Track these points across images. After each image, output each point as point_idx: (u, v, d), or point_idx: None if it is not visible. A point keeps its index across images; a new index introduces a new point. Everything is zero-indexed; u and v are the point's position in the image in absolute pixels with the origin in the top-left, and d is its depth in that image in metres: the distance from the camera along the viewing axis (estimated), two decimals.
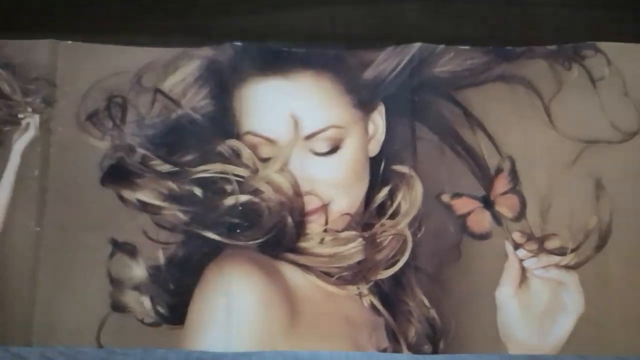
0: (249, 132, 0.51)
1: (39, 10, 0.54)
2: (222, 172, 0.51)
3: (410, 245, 0.50)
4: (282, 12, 0.52)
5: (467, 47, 0.54)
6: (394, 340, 0.49)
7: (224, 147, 0.51)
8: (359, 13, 0.53)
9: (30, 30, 0.52)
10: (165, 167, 0.51)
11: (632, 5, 0.53)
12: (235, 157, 0.51)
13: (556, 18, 0.52)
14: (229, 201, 0.50)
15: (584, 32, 0.51)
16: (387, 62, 0.53)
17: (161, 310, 0.49)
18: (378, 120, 0.53)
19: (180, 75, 0.53)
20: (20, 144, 0.51)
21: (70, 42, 0.53)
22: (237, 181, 0.50)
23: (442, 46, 0.54)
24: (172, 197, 0.51)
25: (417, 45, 0.54)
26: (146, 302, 0.50)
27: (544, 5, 0.53)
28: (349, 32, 0.52)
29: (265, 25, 0.52)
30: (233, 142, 0.51)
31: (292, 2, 0.53)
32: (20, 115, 0.52)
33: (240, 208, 0.50)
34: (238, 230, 0.50)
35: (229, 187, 0.51)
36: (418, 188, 0.51)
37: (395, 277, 0.50)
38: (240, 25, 0.52)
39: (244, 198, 0.50)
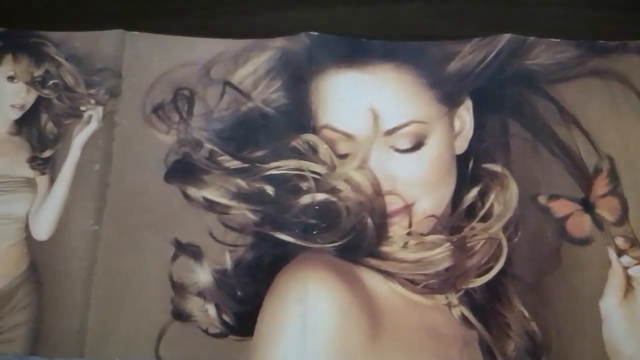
0: (325, 127, 0.47)
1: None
2: (297, 169, 0.46)
3: (505, 250, 0.44)
4: (281, 12, 0.49)
5: (557, 40, 0.49)
6: (490, 355, 0.42)
7: (298, 142, 0.46)
8: (359, 13, 0.50)
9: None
10: (234, 163, 0.47)
11: (632, 5, 0.50)
12: (311, 153, 0.46)
13: (556, 18, 0.49)
14: (305, 200, 0.45)
15: (584, 32, 0.49)
16: (473, 54, 0.48)
17: (227, 319, 0.44)
18: (465, 115, 0.47)
19: (251, 67, 0.49)
20: (81, 137, 0.47)
21: (137, 32, 0.49)
22: (313, 178, 0.46)
23: (532, 38, 0.49)
24: (241, 196, 0.46)
25: (506, 36, 0.49)
26: (211, 310, 0.44)
27: (544, 5, 0.50)
28: (348, 32, 0.48)
29: (265, 25, 0.49)
30: (309, 137, 0.46)
31: (291, 2, 0.50)
32: (83, 108, 0.48)
33: (316, 208, 0.45)
34: (315, 232, 0.45)
35: (304, 185, 0.45)
36: (513, 188, 0.45)
37: (489, 286, 0.43)
38: (240, 25, 0.49)
39: (320, 197, 0.45)
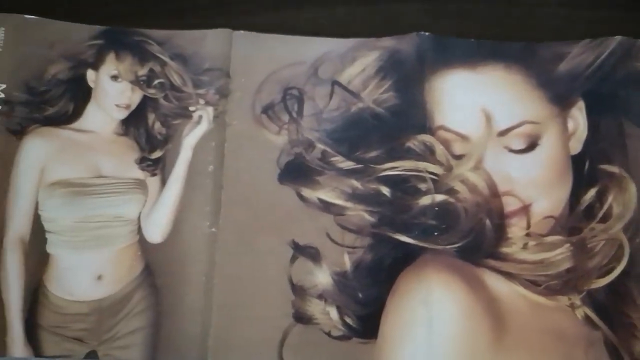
0: (441, 127, 0.45)
1: None
2: (413, 170, 0.44)
3: (627, 251, 0.43)
4: (281, 12, 0.48)
5: None
6: (616, 356, 0.41)
7: (414, 143, 0.45)
8: (359, 13, 0.49)
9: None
10: (348, 164, 0.45)
11: (632, 5, 0.50)
12: (428, 154, 0.45)
13: (556, 18, 0.49)
14: (425, 201, 0.44)
15: (584, 32, 0.48)
16: (583, 55, 0.47)
17: (350, 321, 0.42)
18: (578, 116, 0.46)
19: (359, 66, 0.47)
20: (191, 137, 0.45)
21: (243, 31, 0.48)
22: (431, 179, 0.45)
23: None
24: (357, 197, 0.44)
25: (617, 38, 0.47)
26: (333, 312, 0.43)
27: (544, 5, 0.50)
28: (349, 32, 0.48)
29: (265, 25, 0.48)
30: (426, 138, 0.45)
31: (291, 2, 0.49)
32: (192, 108, 0.46)
33: (436, 209, 0.44)
34: (436, 233, 0.43)
35: (423, 186, 0.44)
36: (632, 189, 0.44)
37: (612, 287, 0.42)
38: (240, 26, 0.47)
39: (439, 198, 0.44)
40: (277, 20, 0.47)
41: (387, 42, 0.47)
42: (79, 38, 0.46)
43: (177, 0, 0.50)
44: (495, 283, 0.43)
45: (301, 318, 0.42)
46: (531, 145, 0.45)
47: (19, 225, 0.43)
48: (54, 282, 0.43)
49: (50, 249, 0.43)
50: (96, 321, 0.42)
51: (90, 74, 0.46)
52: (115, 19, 0.48)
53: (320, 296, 0.43)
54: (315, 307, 0.42)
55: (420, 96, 0.46)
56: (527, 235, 0.44)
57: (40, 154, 0.44)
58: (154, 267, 0.43)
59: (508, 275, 0.43)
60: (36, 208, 0.43)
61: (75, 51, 0.46)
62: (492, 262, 0.43)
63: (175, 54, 0.46)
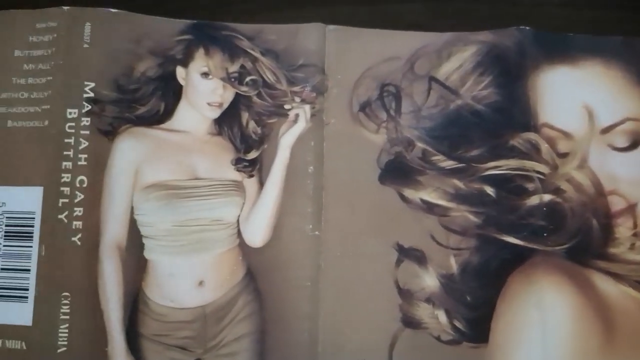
0: (545, 125, 0.43)
1: None
2: (519, 169, 0.43)
3: None
4: (281, 12, 0.46)
5: None
6: None
7: (518, 141, 0.43)
8: (359, 13, 0.47)
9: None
10: (449, 163, 0.43)
11: (632, 5, 0.48)
12: (534, 152, 0.43)
13: (556, 18, 0.47)
14: (533, 201, 0.42)
15: (584, 32, 0.46)
16: None
17: (459, 325, 0.41)
18: None
19: (456, 61, 0.45)
20: (288, 137, 0.42)
21: (336, 26, 0.45)
22: (538, 179, 0.43)
23: None
24: (460, 197, 0.42)
25: None
26: (441, 316, 0.41)
27: (543, 5, 0.48)
28: None
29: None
30: (531, 136, 0.42)
31: (291, 2, 0.47)
32: (287, 106, 0.43)
33: (544, 209, 0.42)
34: (545, 234, 0.41)
35: (530, 186, 0.42)
36: None
37: None
38: None
39: (547, 197, 0.42)
40: (277, 20, 0.44)
41: (484, 36, 0.44)
42: (166, 33, 0.43)
43: (177, 1, 0.48)
44: (604, 285, 0.41)
45: (410, 322, 0.41)
46: (634, 143, 0.43)
47: (114, 231, 0.41)
48: (153, 289, 0.41)
49: (148, 254, 0.41)
50: (200, 328, 0.40)
51: (179, 71, 0.43)
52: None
53: (428, 300, 0.41)
54: (423, 311, 0.41)
55: (522, 92, 0.43)
56: (634, 235, 0.42)
57: (133, 155, 0.41)
58: (257, 271, 0.41)
59: (617, 277, 0.41)
60: (132, 212, 0.41)
61: (163, 47, 0.43)
62: (600, 263, 0.41)
63: (266, 49, 0.43)
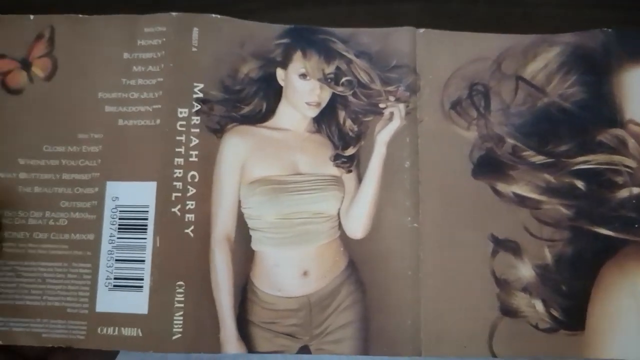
0: (630, 121, 0.43)
1: None
2: (608, 163, 0.44)
3: None
4: (281, 12, 0.47)
5: None
6: None
7: (606, 137, 0.43)
8: (359, 12, 0.48)
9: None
10: (539, 158, 0.44)
11: (632, 5, 0.48)
12: (622, 147, 0.43)
13: (556, 18, 0.48)
14: (622, 194, 0.42)
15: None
16: None
17: (556, 314, 0.41)
18: None
19: (542, 61, 0.45)
20: (384, 134, 0.43)
21: (426, 29, 0.46)
22: (627, 172, 0.44)
23: None
24: (551, 190, 0.43)
25: None
26: (538, 305, 0.42)
27: (544, 5, 0.48)
28: None
29: None
30: (618, 132, 0.43)
31: (291, 2, 0.48)
32: (382, 105, 0.45)
33: (634, 201, 0.43)
34: (636, 225, 0.42)
35: (619, 179, 0.43)
36: None
37: None
38: None
39: (637, 190, 0.42)
40: (277, 20, 0.45)
41: (568, 37, 0.45)
42: (266, 36, 0.44)
43: (176, 0, 0.48)
44: None
45: (508, 311, 0.41)
46: None
47: (224, 224, 0.42)
48: (261, 279, 0.42)
49: (255, 246, 0.42)
50: (306, 316, 0.41)
51: (279, 73, 0.44)
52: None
53: (525, 289, 0.42)
54: (520, 300, 0.41)
55: (608, 91, 0.44)
56: None
57: (240, 152, 0.43)
58: (358, 262, 0.42)
59: None
60: (239, 206, 0.42)
61: (264, 50, 0.44)
62: None
63: (360, 52, 0.44)
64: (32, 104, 0.43)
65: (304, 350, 0.41)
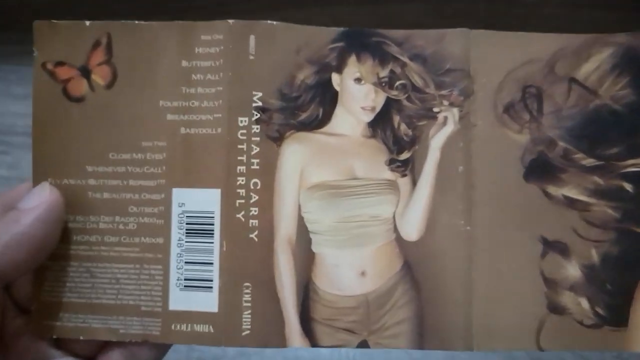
0: None
1: None
2: None
3: None
4: (281, 12, 0.45)
5: None
6: None
7: None
8: (359, 13, 0.46)
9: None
10: (589, 161, 0.44)
11: (632, 6, 0.46)
12: None
13: (556, 18, 0.46)
14: None
15: (584, 32, 0.45)
16: None
17: (600, 311, 0.43)
18: None
19: (594, 63, 0.45)
20: (438, 138, 0.44)
21: (480, 30, 0.45)
22: None
23: None
24: (600, 193, 0.44)
25: None
26: (584, 303, 0.43)
27: (544, 6, 0.47)
28: None
29: None
30: None
31: (291, 2, 0.46)
32: (436, 109, 0.44)
33: None
34: None
35: None
36: None
37: None
38: None
39: None
40: (277, 20, 0.44)
41: (620, 38, 0.44)
42: (321, 41, 0.43)
43: (178, 1, 0.47)
44: None
45: (555, 309, 0.43)
46: None
47: (286, 228, 0.43)
48: (322, 278, 0.43)
49: (315, 248, 0.43)
50: (364, 313, 0.43)
51: (335, 78, 0.44)
52: (115, 17, 0.44)
53: (571, 288, 0.43)
54: (567, 299, 0.43)
55: None
56: None
57: (298, 158, 0.43)
58: (413, 263, 0.43)
59: None
60: (299, 210, 0.43)
61: (319, 55, 0.43)
62: None
63: (414, 55, 0.44)
64: (94, 112, 0.44)
65: (363, 344, 0.43)
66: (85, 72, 0.43)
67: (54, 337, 0.43)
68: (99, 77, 0.44)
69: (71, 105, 0.44)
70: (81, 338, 0.43)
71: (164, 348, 0.45)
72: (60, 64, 0.44)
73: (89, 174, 0.43)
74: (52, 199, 0.41)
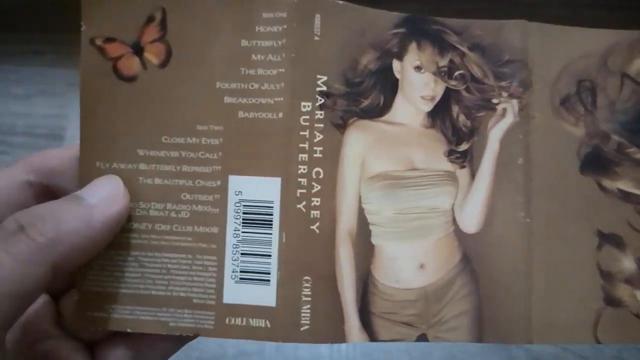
0: None
1: None
2: None
3: None
4: None
5: None
6: None
7: None
8: None
9: None
10: None
11: (632, 6, 0.49)
12: None
13: (556, 18, 0.48)
14: None
15: None
16: None
17: None
18: None
19: None
20: (497, 130, 0.43)
21: (538, 23, 0.44)
22: None
23: None
24: None
25: None
26: (639, 295, 0.44)
27: (544, 5, 0.48)
28: None
29: None
30: None
31: None
32: (495, 100, 0.43)
33: None
34: None
35: None
36: None
37: None
38: None
39: None
40: None
41: None
42: (384, 25, 0.42)
43: None
44: None
45: (611, 301, 0.42)
46: None
47: (347, 220, 0.41)
48: (381, 271, 0.41)
49: (374, 240, 0.41)
50: (423, 307, 0.42)
51: (396, 65, 0.42)
52: None
53: (627, 281, 0.43)
54: (623, 292, 0.43)
55: None
56: None
57: (360, 147, 0.41)
58: (472, 255, 0.42)
59: None
60: (360, 201, 0.41)
61: (382, 40, 0.42)
62: None
63: (473, 45, 0.43)
64: (146, 93, 0.41)
65: (422, 337, 0.41)
66: (138, 50, 0.40)
67: (99, 329, 0.40)
68: (152, 55, 0.41)
69: (122, 85, 0.41)
70: (128, 331, 0.40)
71: (173, 350, 0.42)
72: (110, 40, 0.40)
73: (140, 158, 0.40)
74: (125, 205, 0.38)
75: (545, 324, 0.41)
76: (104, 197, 0.38)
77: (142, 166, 0.40)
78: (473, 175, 0.42)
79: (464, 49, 0.43)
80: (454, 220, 0.42)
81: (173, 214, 0.40)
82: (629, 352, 0.61)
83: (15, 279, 0.32)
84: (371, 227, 0.41)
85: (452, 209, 0.42)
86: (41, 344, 0.40)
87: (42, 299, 0.42)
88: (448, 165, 0.42)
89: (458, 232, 0.42)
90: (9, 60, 0.71)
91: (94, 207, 0.36)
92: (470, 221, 0.42)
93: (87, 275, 0.40)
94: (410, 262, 0.42)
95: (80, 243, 0.35)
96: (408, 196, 0.42)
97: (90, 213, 0.36)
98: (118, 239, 0.40)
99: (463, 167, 0.43)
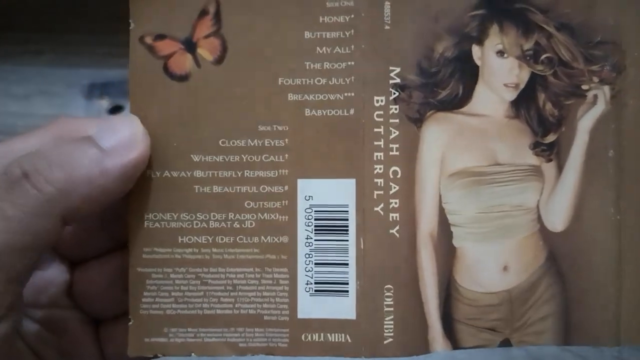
0: None
1: None
2: None
3: None
4: None
5: None
6: None
7: None
8: None
9: None
10: None
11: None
12: None
13: None
14: None
15: None
16: None
17: None
18: None
19: None
20: (587, 120, 0.38)
21: None
22: None
23: None
24: None
25: None
26: None
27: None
28: None
29: None
30: None
31: None
32: (584, 87, 0.39)
33: None
34: None
35: None
36: None
37: None
38: None
39: None
40: None
41: None
42: (460, 8, 0.37)
43: None
44: None
45: None
46: None
47: (427, 222, 0.37)
48: (463, 275, 0.38)
49: (456, 242, 0.38)
50: (507, 310, 0.38)
51: (475, 50, 0.37)
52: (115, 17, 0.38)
53: None
54: None
55: None
56: None
57: (439, 143, 0.37)
58: (558, 255, 0.38)
59: None
60: (440, 201, 0.37)
61: (458, 24, 0.37)
62: None
63: (561, 24, 0.37)
64: (201, 92, 0.36)
65: (505, 343, 0.38)
66: (190, 46, 0.35)
67: (159, 356, 0.36)
68: (206, 51, 0.35)
69: (174, 84, 0.35)
70: (192, 355, 0.36)
71: None
72: (160, 37, 0.35)
73: (195, 165, 0.36)
74: (144, 150, 0.34)
75: (635, 326, 0.38)
76: (121, 140, 0.32)
77: (198, 173, 0.36)
78: (560, 169, 0.38)
79: (551, 29, 0.38)
80: (539, 218, 0.38)
81: (236, 225, 0.36)
82: (629, 352, 0.59)
83: (24, 230, 0.29)
84: (452, 229, 0.37)
85: (537, 206, 0.38)
86: (49, 311, 0.37)
87: (57, 267, 0.39)
88: (533, 159, 0.38)
89: (543, 231, 0.38)
90: (9, 60, 0.68)
91: (109, 153, 0.31)
92: (557, 219, 0.38)
93: (140, 297, 0.36)
94: (494, 264, 0.38)
95: (92, 193, 0.30)
96: (491, 194, 0.38)
97: (105, 159, 0.31)
98: (175, 256, 0.36)
99: (549, 160, 0.38)
